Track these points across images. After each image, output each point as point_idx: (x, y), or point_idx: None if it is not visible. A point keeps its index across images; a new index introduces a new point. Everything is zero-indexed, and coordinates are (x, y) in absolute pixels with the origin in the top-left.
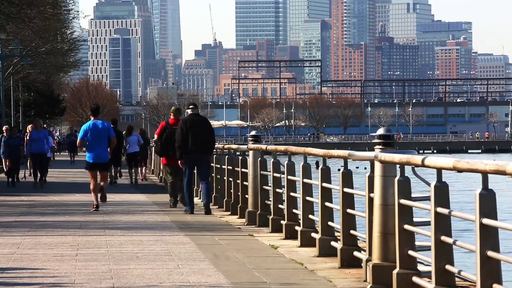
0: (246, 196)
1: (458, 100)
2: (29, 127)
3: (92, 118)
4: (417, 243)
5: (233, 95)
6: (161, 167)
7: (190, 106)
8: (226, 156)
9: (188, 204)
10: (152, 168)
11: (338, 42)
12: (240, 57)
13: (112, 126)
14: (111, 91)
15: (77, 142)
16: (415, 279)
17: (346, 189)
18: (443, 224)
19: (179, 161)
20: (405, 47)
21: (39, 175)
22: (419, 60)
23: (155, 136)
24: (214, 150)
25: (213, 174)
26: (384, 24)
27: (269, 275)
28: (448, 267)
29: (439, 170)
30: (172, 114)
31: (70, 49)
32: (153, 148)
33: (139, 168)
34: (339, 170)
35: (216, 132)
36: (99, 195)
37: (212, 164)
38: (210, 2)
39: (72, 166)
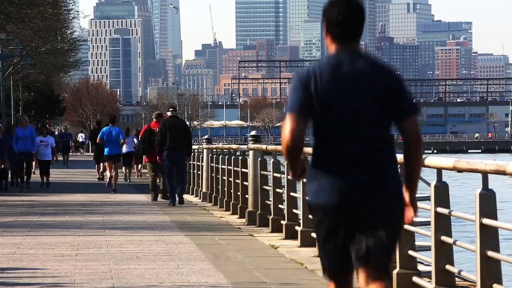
0: (246, 196)
1: (458, 100)
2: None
3: (110, 125)
4: (417, 243)
5: (233, 95)
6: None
7: (170, 109)
8: (226, 156)
9: (170, 197)
10: None
11: None
12: (240, 57)
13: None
14: (111, 91)
15: (97, 140)
16: (415, 279)
17: None
18: (443, 224)
19: (157, 157)
20: (405, 47)
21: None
22: (419, 60)
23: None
24: (215, 150)
25: (213, 174)
26: (384, 24)
27: (269, 275)
28: (448, 267)
29: (439, 170)
30: (154, 118)
31: (70, 49)
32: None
33: (135, 166)
34: None
35: (216, 132)
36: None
37: (212, 164)
38: (210, 2)
39: (67, 167)
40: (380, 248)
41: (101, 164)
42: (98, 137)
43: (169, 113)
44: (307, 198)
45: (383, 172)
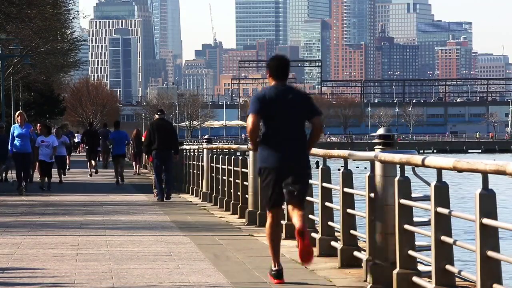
0: (246, 196)
1: (458, 100)
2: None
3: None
4: (417, 243)
5: (233, 95)
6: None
7: (158, 112)
8: (226, 156)
9: (159, 193)
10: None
11: (338, 42)
12: (240, 57)
13: (106, 128)
14: (111, 91)
15: (108, 142)
16: (415, 279)
17: (346, 189)
18: (443, 224)
19: (147, 156)
20: (405, 47)
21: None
22: (419, 60)
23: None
24: (215, 150)
25: (213, 174)
26: (384, 24)
27: None
28: (448, 267)
29: (439, 170)
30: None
31: (70, 49)
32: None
33: (135, 164)
34: (339, 170)
35: (216, 132)
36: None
37: (212, 164)
38: (210, 2)
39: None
40: (300, 190)
41: (93, 161)
42: (109, 139)
43: (156, 116)
44: (257, 163)
45: (300, 149)
